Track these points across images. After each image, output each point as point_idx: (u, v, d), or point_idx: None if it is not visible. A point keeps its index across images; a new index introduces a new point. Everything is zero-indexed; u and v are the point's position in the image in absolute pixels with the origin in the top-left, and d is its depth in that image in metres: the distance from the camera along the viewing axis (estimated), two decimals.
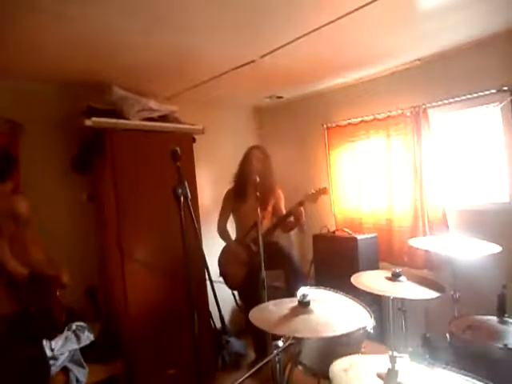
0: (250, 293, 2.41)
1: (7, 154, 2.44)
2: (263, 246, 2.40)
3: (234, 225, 3.33)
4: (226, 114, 4.16)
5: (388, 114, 3.28)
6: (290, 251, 3.21)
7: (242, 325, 3.58)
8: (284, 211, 3.15)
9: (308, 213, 3.04)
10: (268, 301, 1.85)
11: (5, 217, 2.12)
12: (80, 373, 2.46)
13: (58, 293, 2.27)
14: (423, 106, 3.05)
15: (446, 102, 2.95)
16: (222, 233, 3.27)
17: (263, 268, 2.40)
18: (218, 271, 3.20)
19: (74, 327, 2.56)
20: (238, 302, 3.41)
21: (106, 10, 1.86)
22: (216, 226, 3.28)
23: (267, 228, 3.09)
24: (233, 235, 3.31)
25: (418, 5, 2.06)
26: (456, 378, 1.25)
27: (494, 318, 2.04)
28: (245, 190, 3.13)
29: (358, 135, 3.54)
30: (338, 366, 1.33)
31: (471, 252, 2.19)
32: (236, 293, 3.36)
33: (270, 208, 3.17)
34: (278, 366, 1.61)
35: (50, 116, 2.94)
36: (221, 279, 3.18)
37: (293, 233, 3.75)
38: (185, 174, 1.70)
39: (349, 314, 1.66)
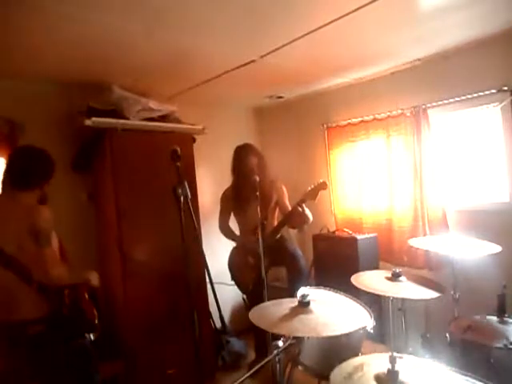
0: (261, 296, 2.37)
1: (43, 154, 2.09)
2: (269, 243, 2.36)
3: (238, 227, 3.29)
4: (226, 113, 4.16)
5: (388, 113, 3.29)
6: (295, 249, 3.11)
7: (243, 325, 3.57)
8: (289, 206, 3.09)
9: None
10: (270, 301, 1.85)
11: (24, 233, 1.89)
12: None
13: (86, 296, 2.25)
14: (423, 106, 3.05)
15: (446, 101, 2.96)
16: (226, 232, 3.23)
17: (263, 268, 2.40)
18: (230, 275, 3.17)
19: None
20: (247, 302, 3.37)
21: (107, 11, 1.86)
22: (218, 227, 3.25)
23: (271, 231, 3.02)
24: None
25: (418, 5, 2.06)
26: (456, 378, 1.25)
27: (493, 318, 2.04)
28: (246, 195, 3.00)
29: (358, 135, 3.54)
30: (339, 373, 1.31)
31: (471, 252, 2.19)
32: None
33: (273, 204, 3.10)
34: (278, 366, 1.61)
35: (50, 116, 2.94)
36: (226, 281, 3.15)
37: (292, 232, 3.75)
38: (185, 174, 1.70)
39: (349, 313, 1.66)
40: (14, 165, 2.05)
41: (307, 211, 2.86)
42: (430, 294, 1.92)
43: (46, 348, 1.94)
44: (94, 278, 2.23)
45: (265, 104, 4.24)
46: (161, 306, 2.85)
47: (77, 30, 2.04)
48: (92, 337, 2.19)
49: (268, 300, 1.94)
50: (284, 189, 3.16)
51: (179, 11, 1.93)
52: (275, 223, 3.12)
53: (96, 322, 2.24)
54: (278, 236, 3.16)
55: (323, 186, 2.81)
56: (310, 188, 2.84)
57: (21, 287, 1.87)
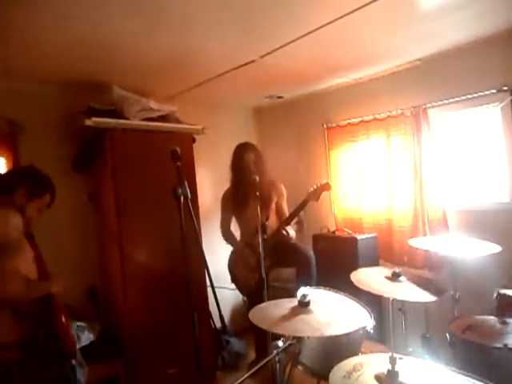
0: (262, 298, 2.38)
1: (25, 168, 2.06)
2: (276, 244, 2.32)
3: (238, 227, 3.27)
4: (226, 113, 4.16)
5: (388, 113, 3.28)
6: (308, 250, 3.06)
7: (243, 325, 3.57)
8: (286, 209, 3.10)
9: (308, 212, 3.00)
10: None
11: None
12: (80, 373, 2.45)
13: (63, 318, 1.87)
14: (423, 106, 3.05)
15: (446, 101, 2.95)
16: (227, 236, 3.22)
17: (263, 268, 2.40)
18: (230, 278, 3.15)
19: (74, 327, 2.57)
20: (246, 302, 3.36)
21: (107, 11, 1.86)
22: (218, 227, 3.24)
23: (271, 234, 2.91)
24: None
25: (418, 5, 2.06)
26: (456, 378, 1.25)
27: (493, 318, 2.04)
28: (245, 194, 2.99)
29: (357, 135, 3.54)
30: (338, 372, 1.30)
31: (471, 252, 2.19)
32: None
33: (273, 205, 3.09)
34: (278, 365, 1.61)
35: (50, 116, 2.94)
36: (229, 285, 3.13)
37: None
38: (185, 174, 1.70)
39: (349, 313, 1.66)
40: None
41: (291, 232, 2.89)
42: (429, 298, 1.90)
43: (15, 378, 1.68)
44: (56, 286, 1.87)
45: (265, 104, 4.24)
46: (161, 306, 2.85)
47: (77, 29, 2.04)
48: (74, 362, 1.89)
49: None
50: (284, 190, 3.15)
51: (179, 11, 1.93)
52: (276, 224, 3.10)
53: (74, 347, 1.90)
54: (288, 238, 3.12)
55: (326, 186, 2.80)
56: (312, 188, 2.83)
57: None
